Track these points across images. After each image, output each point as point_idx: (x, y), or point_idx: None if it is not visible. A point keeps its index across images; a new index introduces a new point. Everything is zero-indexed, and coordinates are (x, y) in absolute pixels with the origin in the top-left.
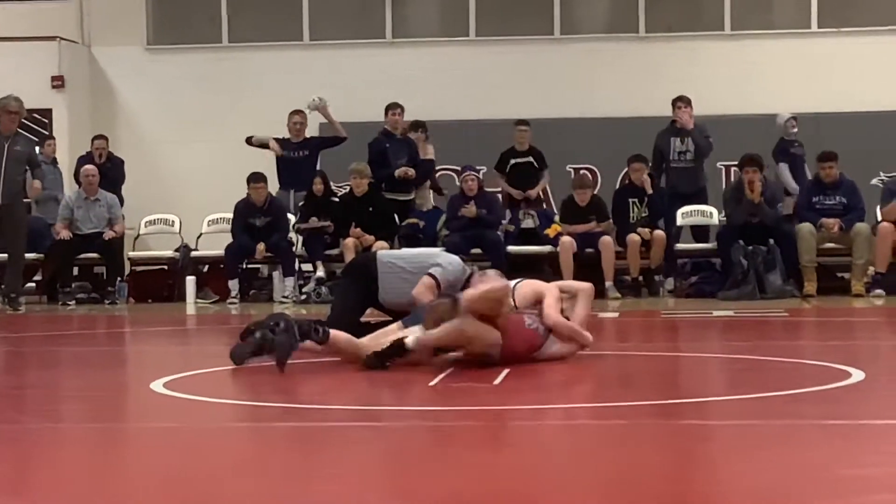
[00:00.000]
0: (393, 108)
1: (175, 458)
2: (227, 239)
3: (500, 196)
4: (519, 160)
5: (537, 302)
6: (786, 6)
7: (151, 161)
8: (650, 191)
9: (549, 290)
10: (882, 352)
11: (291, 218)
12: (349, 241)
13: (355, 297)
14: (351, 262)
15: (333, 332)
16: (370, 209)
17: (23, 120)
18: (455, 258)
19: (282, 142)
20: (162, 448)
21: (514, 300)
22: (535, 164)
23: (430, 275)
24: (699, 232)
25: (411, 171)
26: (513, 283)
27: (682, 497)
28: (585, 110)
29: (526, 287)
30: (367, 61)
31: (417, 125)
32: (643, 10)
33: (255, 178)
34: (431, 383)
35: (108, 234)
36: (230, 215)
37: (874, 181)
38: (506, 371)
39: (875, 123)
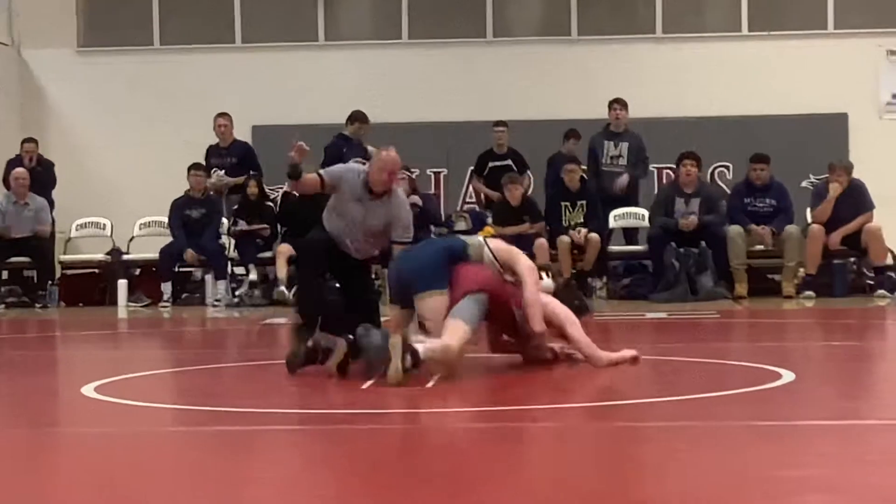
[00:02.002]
0: (362, 119)
1: (106, 463)
2: (159, 242)
3: (433, 196)
4: (497, 163)
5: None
6: (717, 10)
7: (82, 164)
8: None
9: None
10: (812, 353)
11: (224, 222)
12: (283, 246)
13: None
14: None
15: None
16: (307, 211)
17: None
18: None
19: (212, 149)
20: (93, 452)
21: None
22: (514, 166)
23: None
24: (629, 234)
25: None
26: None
27: (614, 499)
28: (517, 113)
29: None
30: (299, 64)
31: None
32: (575, 12)
33: (196, 167)
34: (364, 386)
35: (38, 230)
36: (162, 218)
37: (804, 183)
38: (438, 375)
39: (805, 126)
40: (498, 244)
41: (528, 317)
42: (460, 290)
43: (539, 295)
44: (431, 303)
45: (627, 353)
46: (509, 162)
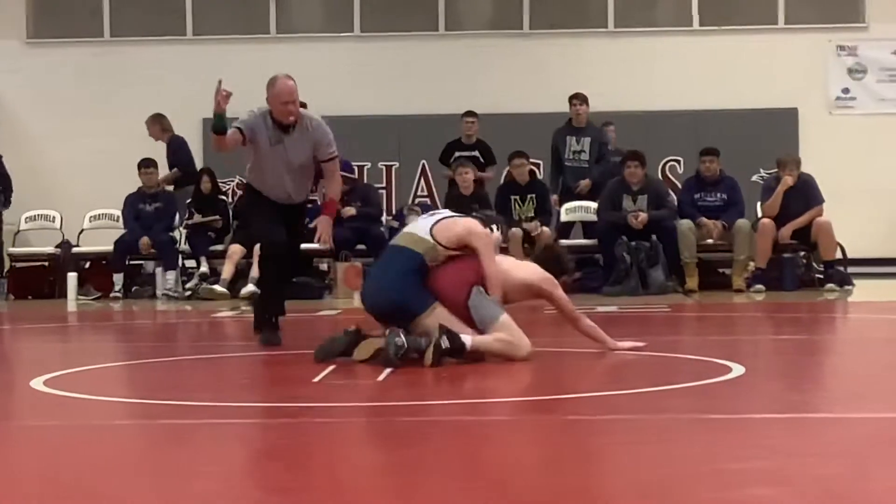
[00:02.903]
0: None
1: (55, 457)
2: (110, 235)
3: (376, 189)
4: (464, 153)
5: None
6: (668, 4)
7: (31, 156)
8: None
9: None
10: (761, 346)
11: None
12: (235, 247)
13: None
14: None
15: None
16: None
17: None
18: None
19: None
20: (42, 446)
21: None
22: (482, 157)
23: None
24: (580, 227)
25: None
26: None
27: (563, 491)
28: (469, 106)
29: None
30: (250, 56)
31: None
32: (527, 6)
33: (146, 164)
34: (315, 379)
35: None
36: (112, 211)
37: (754, 178)
38: (389, 369)
39: (755, 121)
40: (445, 234)
41: (488, 287)
42: (455, 299)
43: (496, 266)
44: (434, 318)
45: (624, 343)
46: (476, 153)
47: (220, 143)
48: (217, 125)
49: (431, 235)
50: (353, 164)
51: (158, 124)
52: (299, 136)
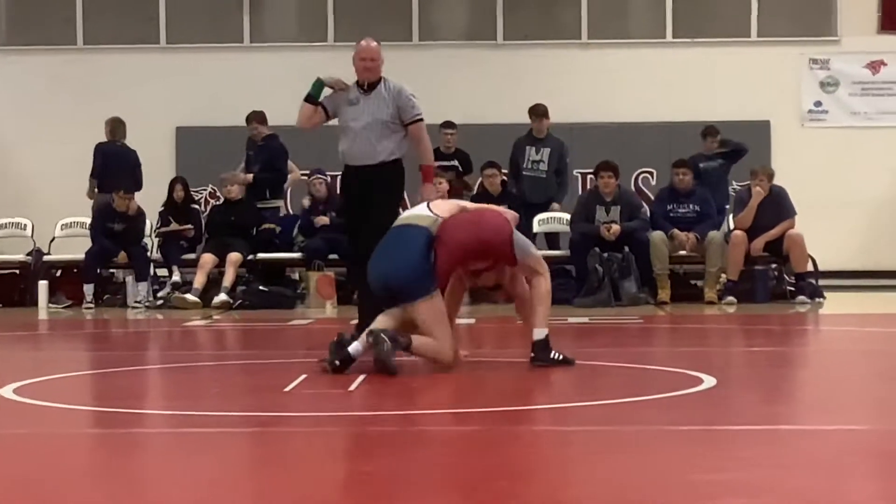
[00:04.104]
0: (248, 121)
1: (23, 465)
2: (81, 243)
3: None
4: (443, 163)
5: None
6: (642, 16)
7: (2, 163)
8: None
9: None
10: (733, 358)
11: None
12: (207, 257)
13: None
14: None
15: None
16: (231, 218)
17: None
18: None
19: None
20: (10, 455)
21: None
22: (461, 167)
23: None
24: (551, 239)
25: (249, 177)
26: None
27: (534, 502)
28: (443, 116)
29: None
30: (224, 65)
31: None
32: (501, 17)
33: (126, 189)
34: (286, 389)
35: None
36: (84, 219)
37: None
38: (361, 377)
39: (728, 133)
40: (443, 206)
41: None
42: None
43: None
44: (425, 309)
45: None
46: (455, 162)
47: (305, 115)
48: (312, 92)
49: (430, 210)
50: (328, 173)
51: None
52: (377, 97)
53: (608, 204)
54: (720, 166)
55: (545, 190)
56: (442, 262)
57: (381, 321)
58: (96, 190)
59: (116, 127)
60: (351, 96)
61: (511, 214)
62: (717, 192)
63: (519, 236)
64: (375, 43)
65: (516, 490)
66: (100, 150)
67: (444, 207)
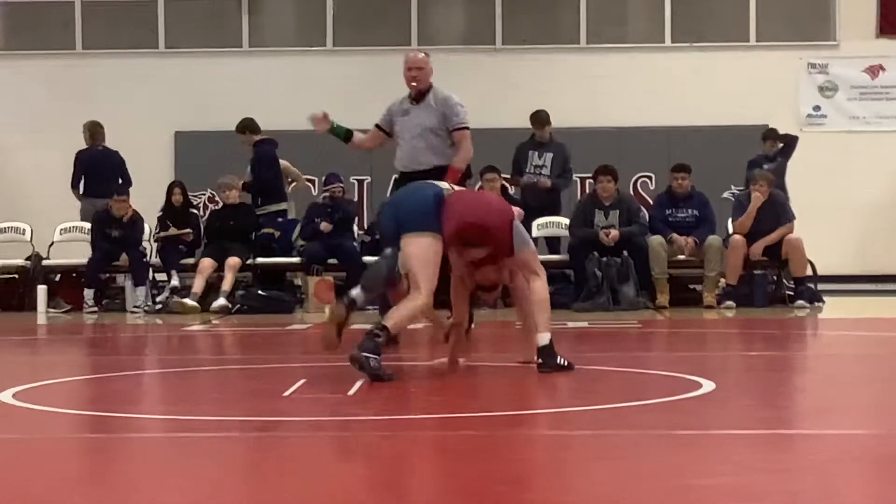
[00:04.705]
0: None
1: (21, 470)
2: (80, 248)
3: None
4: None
5: None
6: (640, 21)
7: (1, 168)
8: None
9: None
10: (731, 363)
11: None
12: (206, 261)
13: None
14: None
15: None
16: (230, 222)
17: None
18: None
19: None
20: (8, 460)
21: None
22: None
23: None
24: (551, 243)
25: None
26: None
27: None
28: None
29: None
30: (222, 70)
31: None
32: (500, 22)
33: (119, 192)
34: (285, 394)
35: None
36: (83, 224)
37: (725, 194)
38: (360, 382)
39: (726, 137)
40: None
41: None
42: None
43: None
44: (418, 243)
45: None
46: None
47: (359, 147)
48: (339, 137)
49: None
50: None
51: (89, 133)
52: (426, 106)
53: (607, 208)
54: (780, 164)
55: (547, 195)
56: (445, 231)
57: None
58: (82, 194)
59: (96, 131)
60: (403, 107)
61: (517, 209)
62: (781, 189)
63: (520, 228)
64: (423, 53)
65: (515, 495)
66: (82, 157)
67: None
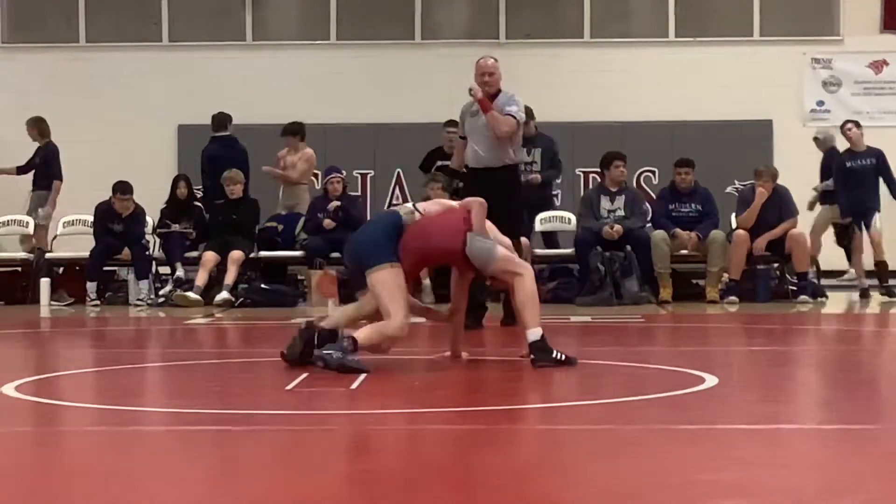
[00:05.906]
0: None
1: (22, 463)
2: (83, 241)
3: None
4: (445, 162)
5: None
6: (644, 15)
7: (4, 161)
8: None
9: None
10: (734, 358)
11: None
12: (209, 255)
13: None
14: None
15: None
16: (233, 216)
17: None
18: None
19: None
20: (12, 452)
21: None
22: None
23: None
24: (550, 238)
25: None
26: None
27: (534, 501)
28: (444, 115)
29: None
30: (226, 63)
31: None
32: (503, 16)
33: (123, 190)
34: (288, 387)
35: None
36: (86, 217)
37: (729, 189)
38: (363, 376)
39: (730, 132)
40: (431, 206)
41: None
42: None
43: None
44: (384, 275)
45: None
46: None
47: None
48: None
49: (415, 207)
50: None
51: (37, 128)
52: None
53: (613, 194)
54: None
55: (538, 190)
56: (404, 260)
57: (334, 318)
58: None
59: (44, 127)
60: (473, 108)
61: (477, 204)
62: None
63: (479, 246)
64: (492, 59)
65: (516, 489)
66: (53, 149)
67: (431, 209)
